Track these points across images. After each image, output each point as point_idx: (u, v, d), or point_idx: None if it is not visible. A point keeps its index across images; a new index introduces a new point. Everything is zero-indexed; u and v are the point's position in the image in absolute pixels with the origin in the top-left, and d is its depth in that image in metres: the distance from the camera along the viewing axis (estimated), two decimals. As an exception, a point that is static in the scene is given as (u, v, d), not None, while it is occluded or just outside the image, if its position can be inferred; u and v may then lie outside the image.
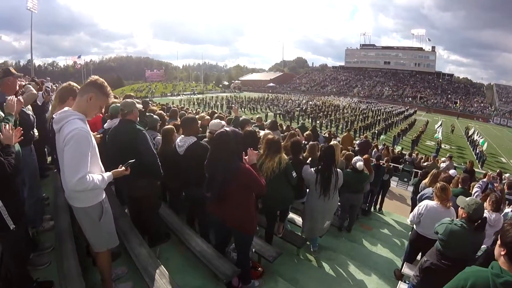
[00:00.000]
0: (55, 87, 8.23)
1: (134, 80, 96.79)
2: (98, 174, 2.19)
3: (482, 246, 2.97)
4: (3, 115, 2.48)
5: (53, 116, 2.16)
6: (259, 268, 3.36)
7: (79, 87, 2.71)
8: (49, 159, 5.80)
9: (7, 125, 2.23)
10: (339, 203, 5.12)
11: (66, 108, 2.17)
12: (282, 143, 3.86)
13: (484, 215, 2.86)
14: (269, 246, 3.59)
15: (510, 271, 1.56)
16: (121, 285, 2.78)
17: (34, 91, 3.80)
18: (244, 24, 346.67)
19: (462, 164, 15.68)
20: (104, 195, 2.37)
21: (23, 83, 4.52)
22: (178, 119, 5.84)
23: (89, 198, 2.24)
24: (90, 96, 2.16)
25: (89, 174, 2.05)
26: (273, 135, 3.97)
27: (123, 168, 2.43)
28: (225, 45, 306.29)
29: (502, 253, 1.62)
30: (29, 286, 2.49)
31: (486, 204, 3.82)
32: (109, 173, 2.31)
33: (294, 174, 3.58)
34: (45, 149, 5.41)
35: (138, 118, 3.26)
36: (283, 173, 3.47)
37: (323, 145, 6.00)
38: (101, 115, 4.56)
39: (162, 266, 2.79)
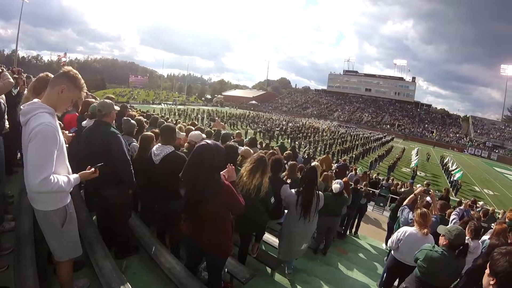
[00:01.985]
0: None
1: (117, 84, 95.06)
2: (64, 176, 1.99)
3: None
4: None
5: (21, 107, 1.97)
6: (231, 290, 3.17)
7: None
8: (19, 154, 5.49)
9: None
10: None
11: (35, 100, 1.99)
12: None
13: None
14: (243, 267, 3.40)
15: None
16: (82, 300, 2.54)
17: (11, 79, 3.59)
18: (232, 40, 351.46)
19: (437, 191, 16.02)
20: (69, 200, 2.17)
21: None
22: (158, 128, 5.66)
23: (53, 201, 2.04)
24: (62, 88, 1.99)
25: (53, 175, 1.86)
26: (253, 151, 3.86)
27: (92, 170, 2.25)
28: (211, 59, 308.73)
29: (492, 282, 1.57)
30: None
31: (466, 231, 3.84)
32: (76, 175, 2.12)
33: (272, 199, 3.44)
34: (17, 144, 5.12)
35: (114, 121, 3.09)
36: (261, 198, 3.26)
37: (302, 165, 5.94)
38: (77, 113, 4.35)
39: (127, 282, 2.57)
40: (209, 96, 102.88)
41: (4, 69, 5.19)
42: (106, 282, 2.54)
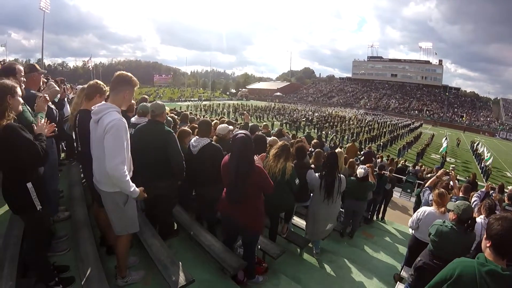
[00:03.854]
0: (68, 86, 8.55)
1: (142, 84, 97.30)
2: (133, 184, 2.39)
3: None
4: (34, 113, 2.75)
5: (92, 108, 2.43)
6: (264, 264, 3.54)
7: (105, 85, 2.94)
8: (62, 155, 6.07)
9: (42, 120, 2.54)
10: (342, 209, 5.29)
11: (103, 102, 2.46)
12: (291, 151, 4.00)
13: (478, 220, 3.00)
14: (274, 244, 3.77)
15: (494, 261, 1.72)
16: (134, 273, 2.93)
17: (57, 88, 4.03)
18: (252, 33, 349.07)
19: (467, 177, 15.67)
20: None
21: (45, 80, 4.76)
22: (189, 123, 6.07)
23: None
24: (126, 94, 2.45)
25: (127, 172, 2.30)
26: (281, 141, 4.17)
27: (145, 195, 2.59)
28: (232, 53, 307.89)
29: (488, 245, 1.78)
30: (47, 269, 2.64)
31: (481, 210, 3.99)
32: (137, 190, 2.45)
33: (297, 181, 3.74)
34: (60, 146, 5.63)
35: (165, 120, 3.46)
36: (286, 181, 3.62)
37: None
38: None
39: (174, 256, 2.96)
40: (233, 90, 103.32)
41: (50, 79, 5.74)
42: (156, 257, 2.92)
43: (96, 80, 3.13)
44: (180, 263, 2.85)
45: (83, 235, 3.17)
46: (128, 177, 2.33)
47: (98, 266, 2.70)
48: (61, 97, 4.78)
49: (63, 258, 3.10)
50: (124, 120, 2.36)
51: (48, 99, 2.99)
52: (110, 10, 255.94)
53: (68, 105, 4.66)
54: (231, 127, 4.60)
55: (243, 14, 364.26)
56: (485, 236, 1.84)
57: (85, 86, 3.26)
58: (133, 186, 2.38)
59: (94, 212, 3.26)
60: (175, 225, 4.00)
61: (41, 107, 2.81)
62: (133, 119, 4.15)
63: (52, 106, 3.72)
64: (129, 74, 2.48)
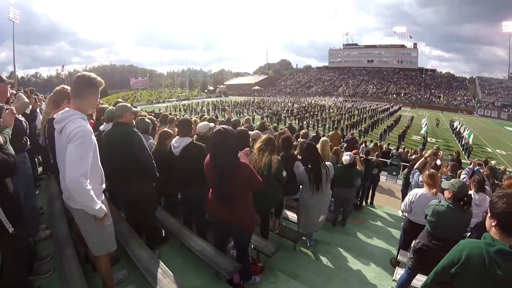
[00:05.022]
0: (41, 97, 8.15)
1: (119, 89, 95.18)
2: (98, 201, 2.15)
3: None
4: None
5: (54, 117, 2.17)
6: (259, 264, 3.41)
7: None
8: (40, 169, 5.76)
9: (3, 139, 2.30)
10: (332, 198, 5.23)
11: (67, 108, 2.18)
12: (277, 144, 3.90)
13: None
14: (267, 242, 3.65)
15: (501, 240, 1.66)
16: (123, 289, 2.76)
17: (26, 99, 3.79)
18: (225, 28, 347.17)
19: (449, 156, 16.00)
20: (102, 198, 2.32)
21: (14, 92, 4.48)
22: (169, 124, 5.88)
23: None
24: (91, 98, 2.20)
25: (90, 185, 2.02)
26: (264, 134, 4.04)
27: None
28: (208, 50, 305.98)
29: (493, 224, 1.71)
30: None
31: (471, 186, 4.00)
32: (104, 208, 2.21)
33: (284, 173, 3.61)
34: (36, 159, 5.34)
35: (133, 122, 3.24)
36: (273, 175, 3.48)
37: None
38: (92, 121, 4.54)
39: (164, 266, 2.80)
40: (211, 88, 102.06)
41: (19, 91, 5.43)
42: (145, 268, 2.75)
43: (63, 86, 2.92)
44: (172, 273, 2.70)
45: (67, 253, 2.94)
46: (92, 193, 2.04)
47: (83, 285, 2.51)
48: (33, 108, 4.51)
49: (48, 280, 2.91)
50: (89, 127, 2.12)
51: (15, 112, 2.76)
52: (81, 16, 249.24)
53: (41, 116, 4.39)
54: (212, 125, 4.44)
55: (215, 9, 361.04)
56: (489, 215, 1.77)
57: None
58: (98, 204, 2.12)
59: (76, 227, 3.03)
60: (163, 232, 3.83)
61: (7, 121, 2.55)
62: (101, 127, 3.93)
63: (22, 118, 3.47)
64: (91, 74, 2.23)
